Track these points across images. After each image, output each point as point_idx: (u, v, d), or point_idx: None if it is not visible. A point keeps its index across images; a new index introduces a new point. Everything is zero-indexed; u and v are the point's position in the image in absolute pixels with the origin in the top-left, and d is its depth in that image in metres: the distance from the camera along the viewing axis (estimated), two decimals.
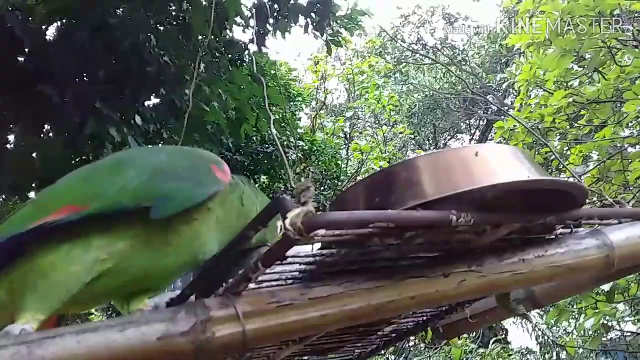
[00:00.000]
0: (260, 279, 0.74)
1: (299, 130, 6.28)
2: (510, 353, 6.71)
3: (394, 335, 1.25)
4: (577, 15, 4.32)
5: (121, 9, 3.98)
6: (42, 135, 4.18)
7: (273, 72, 5.60)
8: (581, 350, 6.08)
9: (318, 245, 0.81)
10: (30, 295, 0.83)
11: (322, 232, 0.64)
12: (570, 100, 4.60)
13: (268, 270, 0.72)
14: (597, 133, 4.76)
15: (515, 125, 5.22)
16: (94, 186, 0.94)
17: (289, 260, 0.73)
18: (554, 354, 6.39)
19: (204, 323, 0.66)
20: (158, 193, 0.90)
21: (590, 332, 5.04)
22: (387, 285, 0.73)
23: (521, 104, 5.31)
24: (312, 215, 0.61)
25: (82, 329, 0.63)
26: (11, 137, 4.24)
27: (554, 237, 0.90)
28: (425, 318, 1.20)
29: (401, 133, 7.98)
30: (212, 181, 0.96)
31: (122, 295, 1.00)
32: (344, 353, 1.30)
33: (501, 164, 0.78)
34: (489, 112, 12.27)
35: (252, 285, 0.74)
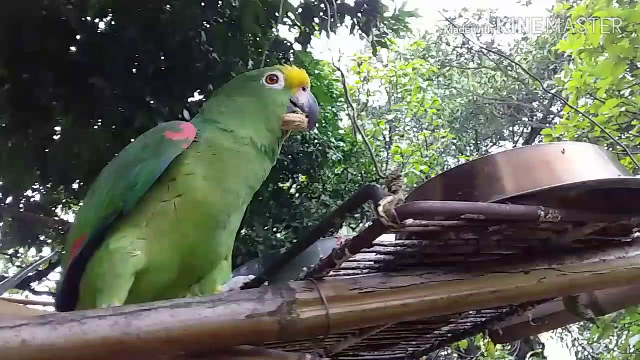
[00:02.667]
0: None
1: (339, 131, 6.28)
2: None
3: (449, 335, 1.25)
4: (632, 22, 4.20)
5: (171, 5, 4.05)
6: (90, 127, 4.30)
7: (317, 71, 5.62)
8: None
9: (391, 238, 0.82)
10: (97, 296, 0.92)
11: (410, 221, 0.65)
12: (622, 109, 4.47)
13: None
14: None
15: (563, 133, 5.11)
16: (84, 215, 1.06)
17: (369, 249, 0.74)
18: None
19: (290, 304, 0.67)
20: (121, 191, 0.96)
21: (633, 350, 4.89)
22: (467, 278, 0.73)
23: (569, 112, 5.20)
24: (404, 204, 0.62)
25: (176, 304, 0.65)
26: (58, 128, 4.38)
27: (629, 240, 0.88)
28: (484, 319, 1.19)
29: (443, 137, 7.90)
30: (169, 147, 0.97)
31: (190, 286, 1.04)
32: (397, 350, 1.30)
33: (586, 162, 0.77)
34: (534, 120, 12.02)
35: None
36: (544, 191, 0.71)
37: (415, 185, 8.00)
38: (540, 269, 0.77)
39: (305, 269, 0.80)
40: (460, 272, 0.74)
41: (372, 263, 0.78)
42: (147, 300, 0.96)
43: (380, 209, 0.61)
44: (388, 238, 0.75)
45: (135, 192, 0.94)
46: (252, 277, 0.87)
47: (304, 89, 1.10)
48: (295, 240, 5.72)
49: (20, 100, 3.80)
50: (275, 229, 5.85)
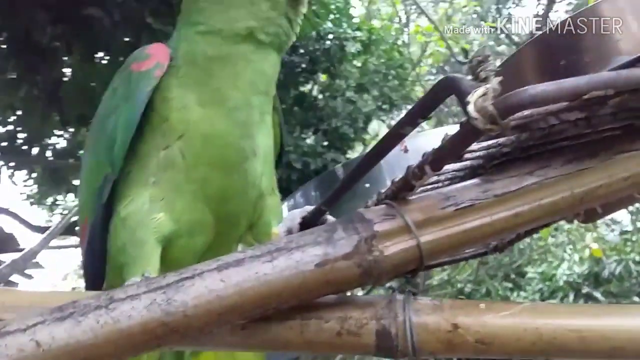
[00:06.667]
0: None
1: (354, 20, 5.89)
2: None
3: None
4: None
5: None
6: (98, 61, 4.12)
7: None
8: None
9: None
10: (123, 273, 0.77)
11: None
12: None
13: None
14: None
15: None
16: (80, 196, 0.90)
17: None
18: None
19: (369, 240, 0.51)
20: (103, 153, 0.80)
21: None
22: (591, 166, 0.55)
23: None
24: (503, 94, 0.43)
25: (224, 264, 0.49)
26: (66, 70, 4.21)
27: None
28: None
29: (464, 7, 7.37)
30: (138, 82, 0.78)
31: (239, 238, 0.89)
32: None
33: None
34: None
35: None
36: None
37: (441, 65, 7.60)
38: None
39: (367, 185, 0.63)
40: (582, 159, 0.56)
41: (455, 172, 0.61)
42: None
43: (471, 107, 0.42)
44: None
45: (117, 149, 0.77)
46: (308, 208, 0.71)
47: None
48: (326, 144, 5.57)
49: (21, 46, 3.62)
50: (303, 135, 5.69)
